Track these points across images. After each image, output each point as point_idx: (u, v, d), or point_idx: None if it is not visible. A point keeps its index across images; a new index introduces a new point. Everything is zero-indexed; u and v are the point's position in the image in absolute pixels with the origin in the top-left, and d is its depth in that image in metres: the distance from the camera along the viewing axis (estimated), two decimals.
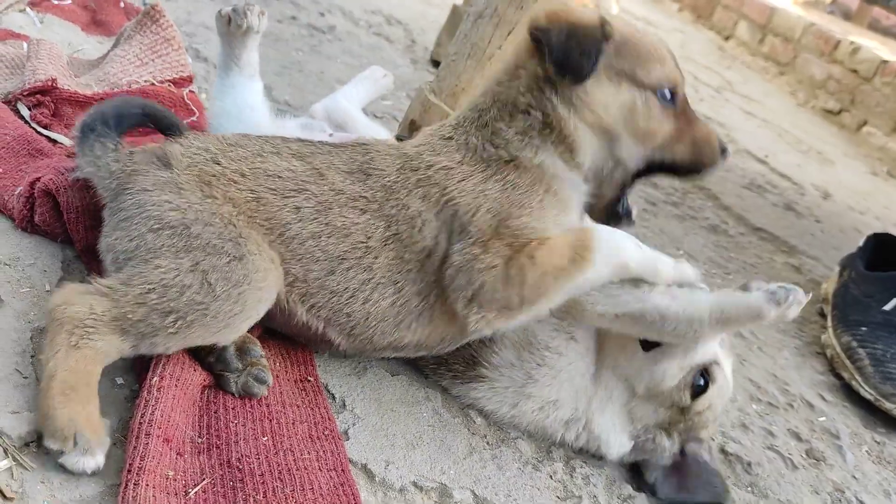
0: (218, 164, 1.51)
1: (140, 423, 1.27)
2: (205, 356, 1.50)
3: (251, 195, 1.49)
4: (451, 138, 1.59)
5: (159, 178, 1.46)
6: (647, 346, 1.65)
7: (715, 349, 1.69)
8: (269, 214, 1.48)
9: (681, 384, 1.64)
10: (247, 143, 1.58)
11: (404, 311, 1.53)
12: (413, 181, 1.54)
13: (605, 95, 1.51)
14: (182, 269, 1.35)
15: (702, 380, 1.65)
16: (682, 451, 1.68)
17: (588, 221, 1.64)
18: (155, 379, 1.36)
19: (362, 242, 1.52)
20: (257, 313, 1.44)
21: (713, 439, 1.71)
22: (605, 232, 1.54)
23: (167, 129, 1.70)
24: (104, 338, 1.31)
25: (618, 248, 1.52)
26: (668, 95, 1.54)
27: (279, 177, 1.53)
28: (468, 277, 1.46)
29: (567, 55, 1.46)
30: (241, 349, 1.51)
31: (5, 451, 1.21)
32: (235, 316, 1.39)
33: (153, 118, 1.69)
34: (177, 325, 1.34)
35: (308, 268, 1.50)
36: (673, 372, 1.64)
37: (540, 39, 1.49)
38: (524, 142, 1.53)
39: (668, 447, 1.66)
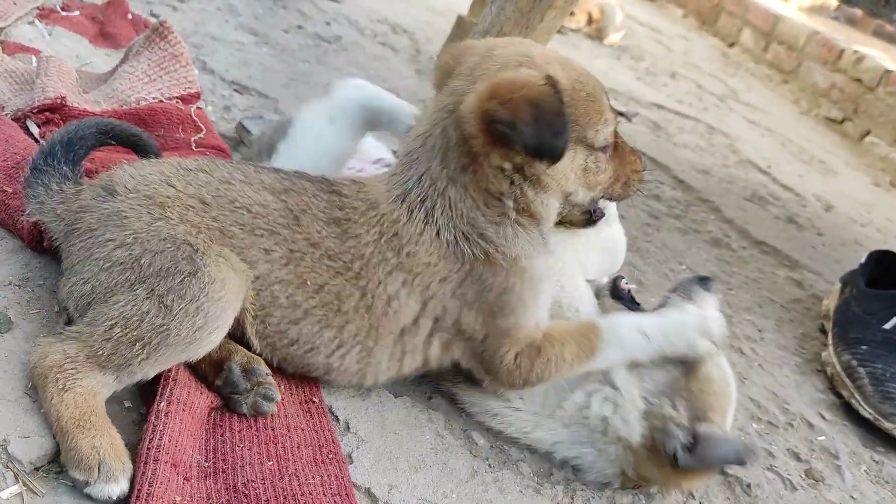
0: (172, 186, 1.48)
1: (148, 449, 1.29)
2: (212, 380, 1.52)
3: (214, 224, 1.47)
4: (421, 231, 1.53)
5: (103, 213, 1.44)
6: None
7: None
8: (233, 247, 1.47)
9: None
10: (211, 169, 1.55)
11: (370, 368, 1.59)
12: (393, 263, 1.53)
13: (565, 166, 1.53)
14: (138, 298, 1.36)
15: None
16: (695, 436, 1.63)
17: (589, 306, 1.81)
18: (163, 404, 1.38)
19: (334, 304, 1.52)
20: (223, 322, 1.43)
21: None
22: (611, 327, 1.66)
23: (131, 143, 1.70)
24: (86, 375, 1.33)
25: (622, 342, 1.65)
26: (610, 145, 1.62)
27: (248, 210, 1.50)
28: (483, 364, 1.61)
29: (541, 142, 1.42)
30: (247, 370, 1.52)
31: (16, 476, 1.23)
32: (200, 329, 1.38)
33: (113, 135, 1.66)
34: (145, 351, 1.35)
35: (269, 311, 1.51)
36: None
37: (505, 132, 1.42)
38: (499, 233, 1.54)
39: (674, 416, 1.64)
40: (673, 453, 1.62)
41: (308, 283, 1.50)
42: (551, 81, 1.44)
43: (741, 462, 1.61)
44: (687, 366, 1.68)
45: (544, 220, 1.59)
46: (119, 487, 1.25)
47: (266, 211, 1.51)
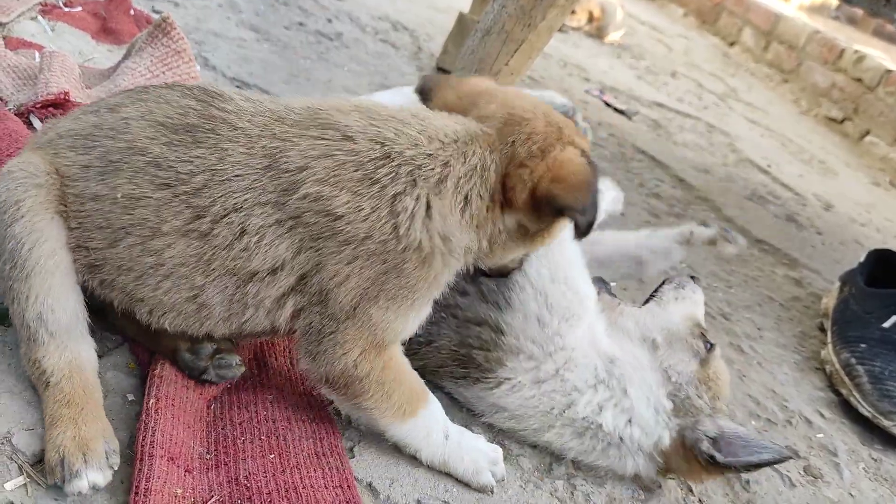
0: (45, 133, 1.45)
1: (142, 446, 1.30)
2: (183, 371, 1.52)
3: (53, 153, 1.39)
4: (377, 184, 1.34)
5: None
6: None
7: (700, 316, 1.87)
8: (58, 166, 1.38)
9: (693, 330, 1.76)
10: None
11: (204, 312, 1.41)
12: (274, 199, 1.33)
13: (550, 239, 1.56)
14: None
15: (706, 340, 1.76)
16: (722, 433, 1.66)
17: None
18: (152, 401, 1.39)
19: (151, 222, 1.34)
20: (47, 270, 1.32)
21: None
22: (434, 407, 1.54)
23: None
24: (37, 355, 1.33)
25: (429, 428, 1.52)
26: None
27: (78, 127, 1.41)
28: (319, 344, 1.41)
29: (590, 223, 1.41)
30: (194, 351, 1.51)
31: (20, 467, 1.24)
32: (25, 280, 1.31)
33: None
34: (9, 286, 1.32)
35: (90, 235, 1.36)
36: (676, 319, 1.79)
37: (573, 216, 1.40)
38: (456, 252, 1.42)
39: (703, 406, 1.68)
40: (710, 453, 1.62)
41: (120, 195, 1.33)
42: (587, 158, 1.45)
43: (782, 461, 1.61)
44: (701, 359, 1.72)
45: (491, 261, 1.55)
46: (84, 481, 1.22)
47: (96, 125, 1.40)
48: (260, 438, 1.46)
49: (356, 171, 1.35)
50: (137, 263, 1.36)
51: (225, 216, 1.32)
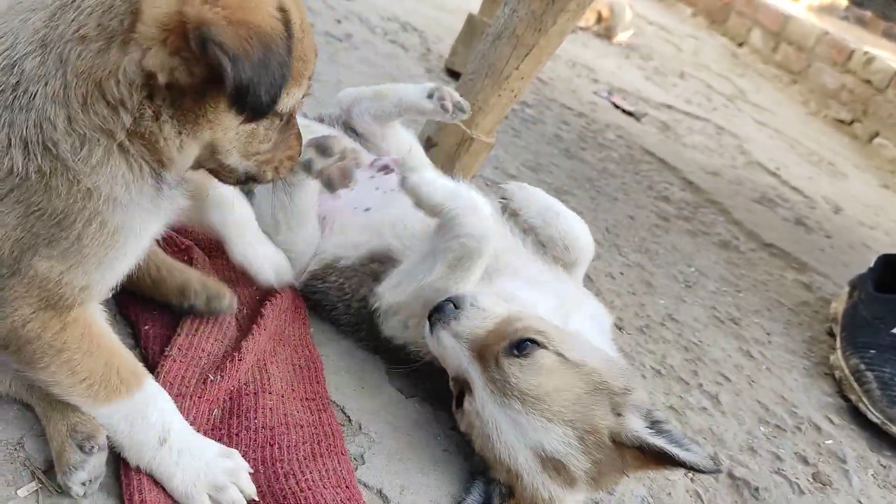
0: None
1: None
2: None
3: None
4: None
5: None
6: None
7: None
8: None
9: None
10: None
11: None
12: None
13: (232, 121, 1.16)
14: None
15: None
16: None
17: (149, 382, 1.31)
18: None
19: None
20: None
21: None
22: (154, 393, 1.30)
23: None
24: None
25: (136, 428, 1.27)
26: (286, 115, 1.29)
27: None
28: None
29: (255, 93, 1.03)
30: (188, 308, 1.61)
31: (32, 473, 1.25)
32: None
33: None
34: None
35: None
36: None
37: (219, 62, 0.98)
38: (78, 151, 1.08)
39: None
40: None
41: None
42: (286, 18, 1.08)
43: None
44: None
45: (172, 164, 1.17)
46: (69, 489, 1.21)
47: None
48: (254, 451, 1.43)
49: None
50: None
51: None
